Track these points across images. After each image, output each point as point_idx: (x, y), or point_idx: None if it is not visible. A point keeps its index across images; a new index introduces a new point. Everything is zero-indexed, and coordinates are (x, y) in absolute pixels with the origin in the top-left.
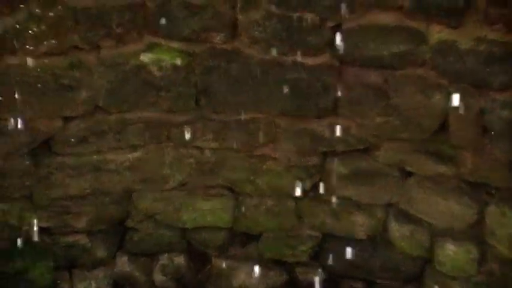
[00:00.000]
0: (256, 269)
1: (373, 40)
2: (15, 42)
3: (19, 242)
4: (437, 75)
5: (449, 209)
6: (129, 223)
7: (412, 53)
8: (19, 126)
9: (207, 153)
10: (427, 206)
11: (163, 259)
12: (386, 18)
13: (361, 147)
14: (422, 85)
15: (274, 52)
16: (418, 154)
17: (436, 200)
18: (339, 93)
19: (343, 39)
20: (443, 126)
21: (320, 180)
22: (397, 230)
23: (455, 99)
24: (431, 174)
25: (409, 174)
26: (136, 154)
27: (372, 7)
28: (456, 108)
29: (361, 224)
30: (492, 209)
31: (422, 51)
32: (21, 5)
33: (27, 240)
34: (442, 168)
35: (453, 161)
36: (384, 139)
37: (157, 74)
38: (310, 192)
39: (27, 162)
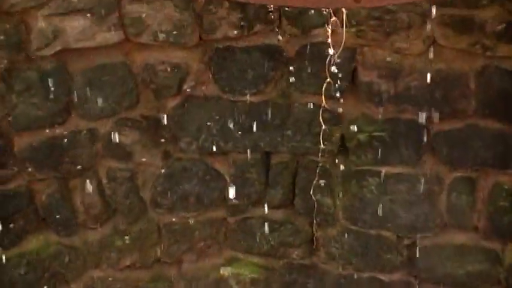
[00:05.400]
0: None
1: (449, 259)
2: (100, 255)
3: None
4: None
5: None
6: None
7: (487, 273)
8: None
9: None
10: None
11: None
12: (462, 238)
13: None
14: None
15: (350, 268)
16: None
17: None
18: None
19: (420, 257)
20: None
21: None
22: None
23: None
24: None
25: None
26: None
27: (448, 227)
28: None
29: None
30: None
31: (497, 271)
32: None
33: None
34: None
35: None
36: None
37: None
38: None
39: None
